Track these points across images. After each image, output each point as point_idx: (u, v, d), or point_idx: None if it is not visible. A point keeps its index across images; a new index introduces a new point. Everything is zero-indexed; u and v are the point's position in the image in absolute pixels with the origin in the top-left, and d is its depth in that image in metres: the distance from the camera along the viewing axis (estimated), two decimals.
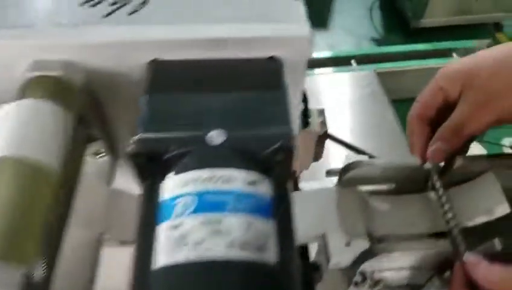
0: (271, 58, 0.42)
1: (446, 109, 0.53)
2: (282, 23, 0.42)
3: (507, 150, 1.99)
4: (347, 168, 0.52)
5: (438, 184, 0.52)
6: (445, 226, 0.52)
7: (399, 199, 0.56)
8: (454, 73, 0.52)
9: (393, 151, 1.06)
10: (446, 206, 0.51)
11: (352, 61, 2.20)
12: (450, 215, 0.51)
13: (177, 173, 0.33)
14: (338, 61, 2.20)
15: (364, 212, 0.53)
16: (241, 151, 0.34)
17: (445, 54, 2.21)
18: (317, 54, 2.29)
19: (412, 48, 2.26)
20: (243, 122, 0.36)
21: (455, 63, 0.53)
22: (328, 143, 1.12)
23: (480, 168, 0.55)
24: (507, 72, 0.49)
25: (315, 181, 0.88)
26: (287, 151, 0.36)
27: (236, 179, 0.32)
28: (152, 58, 0.41)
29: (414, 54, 2.21)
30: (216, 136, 0.34)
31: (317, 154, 0.72)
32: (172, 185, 0.32)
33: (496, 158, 0.55)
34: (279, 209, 0.33)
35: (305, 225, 0.52)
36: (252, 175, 0.33)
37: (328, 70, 2.02)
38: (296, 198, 0.51)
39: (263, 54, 0.42)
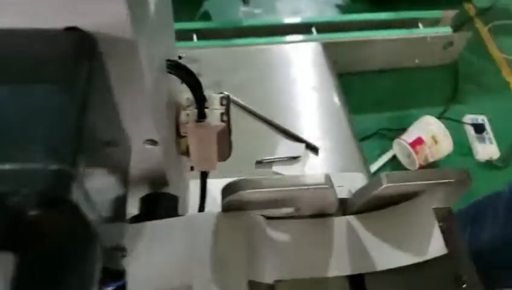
0: (70, 29, 0.26)
1: None
2: None
3: (468, 127, 1.89)
4: (228, 189, 0.37)
5: None
6: (363, 268, 0.37)
7: (304, 226, 0.41)
8: None
9: (335, 138, 0.91)
10: None
11: (313, 29, 2.07)
12: None
13: None
14: (297, 29, 2.06)
15: (252, 250, 0.38)
16: None
17: (411, 24, 2.09)
18: (275, 21, 2.14)
19: (375, 16, 2.12)
20: None
21: None
22: (261, 127, 0.97)
23: (415, 188, 0.40)
24: None
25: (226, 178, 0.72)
26: (50, 204, 0.20)
27: None
28: None
29: (377, 23, 2.08)
30: None
31: (223, 153, 0.56)
32: None
33: (430, 174, 0.40)
34: None
35: (168, 268, 0.37)
36: None
37: (278, 39, 1.89)
38: (158, 229, 0.36)
39: (58, 22, 0.26)
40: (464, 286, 0.41)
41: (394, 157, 1.80)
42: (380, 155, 1.79)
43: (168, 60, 0.44)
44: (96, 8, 0.26)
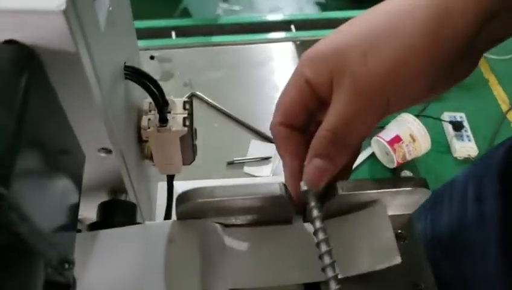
0: (9, 42, 0.26)
1: (320, 107, 0.38)
2: None
3: (446, 125, 1.90)
4: (181, 198, 0.37)
5: (316, 220, 0.37)
6: (320, 276, 0.37)
7: (262, 233, 0.41)
8: (319, 57, 0.36)
9: None
10: (323, 248, 0.37)
11: (292, 27, 2.07)
12: (327, 261, 0.36)
13: None
14: (277, 26, 2.06)
15: (207, 258, 0.37)
16: None
17: None
18: (254, 18, 2.14)
19: (355, 14, 2.10)
20: None
21: (322, 41, 0.37)
22: (233, 128, 0.97)
23: (370, 197, 0.40)
24: (390, 43, 0.33)
25: (197, 180, 0.73)
26: None
27: None
28: None
29: None
30: None
31: (186, 157, 0.56)
32: None
33: (386, 183, 0.40)
34: None
35: (120, 278, 0.36)
36: None
37: (258, 36, 1.89)
38: (110, 238, 0.35)
39: None
40: None
41: (373, 155, 1.81)
42: None
43: (127, 67, 0.44)
44: (35, 21, 0.26)
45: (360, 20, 0.36)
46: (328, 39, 0.37)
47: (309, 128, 0.40)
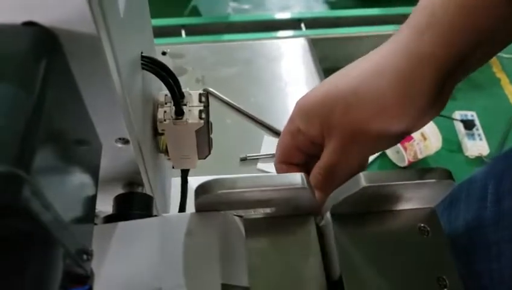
0: (29, 24, 0.25)
1: (314, 148, 0.45)
2: None
3: (457, 124, 1.89)
4: (201, 189, 0.36)
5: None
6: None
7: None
8: (308, 109, 0.43)
9: None
10: None
11: (302, 25, 2.05)
12: None
13: None
14: (286, 25, 2.05)
15: (226, 251, 0.37)
16: None
17: (401, 19, 2.07)
18: (263, 16, 2.13)
19: (365, 12, 2.11)
20: None
21: (310, 93, 0.44)
22: (246, 124, 0.96)
23: (395, 189, 0.39)
24: (368, 99, 0.40)
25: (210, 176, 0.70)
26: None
27: None
28: None
29: (367, 19, 2.07)
30: None
31: (202, 151, 0.55)
32: None
33: (411, 174, 0.39)
34: None
35: (137, 271, 0.35)
36: None
37: (267, 35, 1.88)
38: (128, 231, 0.35)
39: (16, 17, 0.25)
40: (446, 289, 0.40)
41: (383, 153, 1.80)
42: None
43: (144, 57, 0.43)
44: (55, 2, 0.25)
45: (345, 75, 0.42)
46: (318, 91, 0.43)
47: (310, 161, 0.46)
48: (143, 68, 0.43)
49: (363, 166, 0.43)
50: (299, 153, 0.46)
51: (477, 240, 0.60)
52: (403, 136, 0.41)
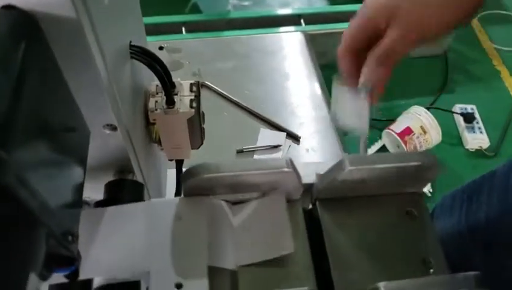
0: (8, 8, 0.26)
1: (375, 39, 0.52)
2: None
3: (457, 117, 1.88)
4: (188, 173, 0.36)
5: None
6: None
7: (257, 206, 0.40)
8: (380, 6, 0.51)
9: (317, 126, 0.90)
10: None
11: (302, 21, 2.05)
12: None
13: None
14: (286, 20, 2.05)
15: (213, 235, 0.37)
16: None
17: None
18: (264, 12, 2.13)
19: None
20: None
21: None
22: (242, 116, 0.96)
23: (379, 172, 0.40)
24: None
25: None
26: None
27: None
28: None
29: None
30: None
31: (195, 140, 0.56)
32: None
33: (395, 157, 0.40)
34: None
35: (125, 254, 0.36)
36: None
37: (268, 31, 1.87)
38: (117, 214, 0.35)
39: None
40: (431, 270, 0.41)
41: (383, 147, 1.80)
42: (369, 146, 1.78)
43: (133, 46, 0.44)
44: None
45: None
46: None
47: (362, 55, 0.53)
48: (132, 57, 0.43)
49: (409, 51, 0.52)
50: (363, 36, 0.53)
51: (499, 233, 0.60)
52: (455, 28, 0.50)
